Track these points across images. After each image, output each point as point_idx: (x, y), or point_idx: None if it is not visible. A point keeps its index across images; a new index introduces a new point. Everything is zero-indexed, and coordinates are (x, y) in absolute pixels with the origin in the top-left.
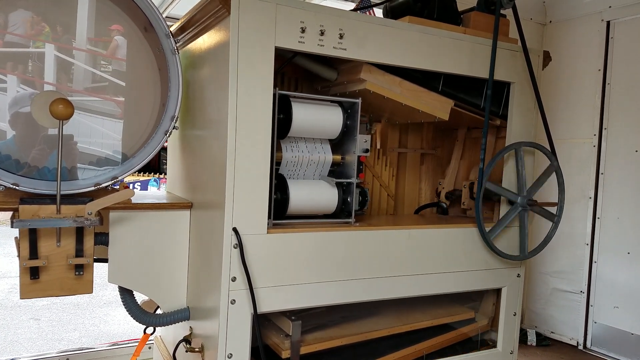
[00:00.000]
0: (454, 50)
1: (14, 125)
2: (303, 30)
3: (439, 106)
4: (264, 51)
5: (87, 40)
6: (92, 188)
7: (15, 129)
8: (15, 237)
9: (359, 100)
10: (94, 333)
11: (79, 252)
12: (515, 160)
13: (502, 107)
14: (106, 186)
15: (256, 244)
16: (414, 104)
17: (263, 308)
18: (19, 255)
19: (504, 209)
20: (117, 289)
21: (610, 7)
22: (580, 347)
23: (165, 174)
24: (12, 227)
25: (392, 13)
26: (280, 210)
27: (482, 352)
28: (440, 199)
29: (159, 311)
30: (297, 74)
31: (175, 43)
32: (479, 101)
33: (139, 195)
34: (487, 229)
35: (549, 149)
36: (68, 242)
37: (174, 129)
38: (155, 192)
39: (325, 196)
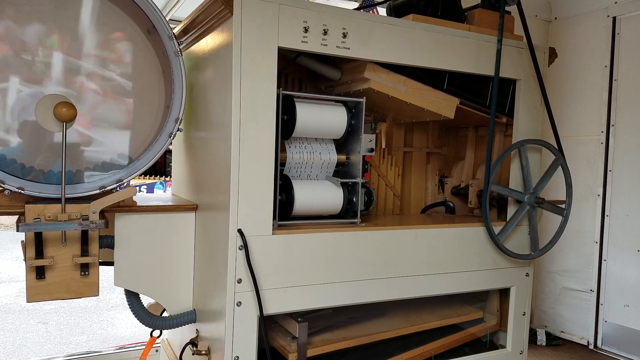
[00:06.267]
0: (459, 48)
1: (21, 133)
2: (306, 30)
3: (444, 104)
4: (267, 51)
5: (91, 45)
6: (97, 191)
7: (22, 137)
8: (22, 241)
9: (364, 100)
10: (101, 336)
11: (85, 255)
12: (519, 159)
13: (508, 105)
14: (111, 189)
15: (261, 246)
16: (419, 103)
17: (269, 310)
18: (25, 259)
19: (512, 209)
20: (124, 292)
21: (615, 2)
22: (591, 347)
23: (171, 176)
24: (17, 230)
25: (396, 11)
26: (285, 211)
27: (491, 352)
28: (445, 195)
29: (165, 314)
30: (300, 74)
31: (179, 45)
32: (485, 99)
33: (144, 198)
34: (495, 229)
35: (555, 146)
36: (74, 247)
37: (178, 131)
38: (161, 195)
39: (330, 196)
